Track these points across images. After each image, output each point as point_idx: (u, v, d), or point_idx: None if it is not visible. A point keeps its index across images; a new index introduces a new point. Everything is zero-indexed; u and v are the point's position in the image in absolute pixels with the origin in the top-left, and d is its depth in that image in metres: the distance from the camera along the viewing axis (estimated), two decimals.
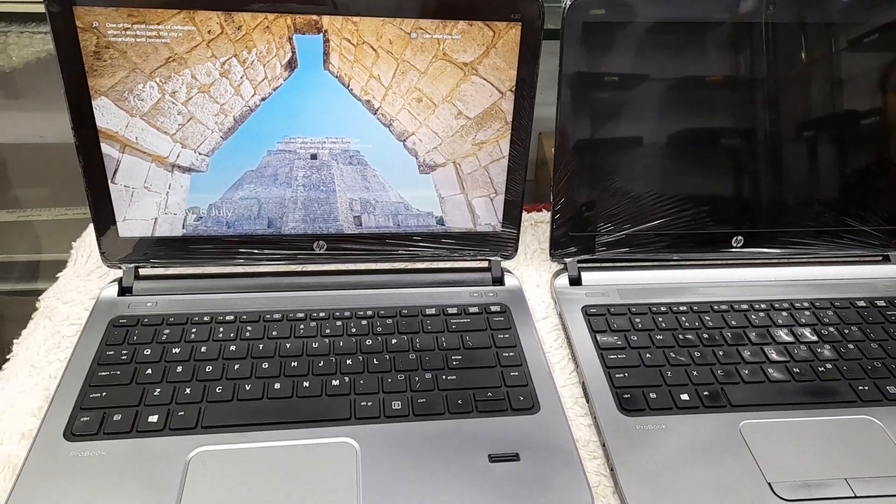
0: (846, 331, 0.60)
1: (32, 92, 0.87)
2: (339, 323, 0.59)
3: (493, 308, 0.62)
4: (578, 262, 0.66)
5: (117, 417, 0.50)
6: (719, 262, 0.67)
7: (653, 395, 0.53)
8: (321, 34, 0.56)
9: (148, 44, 0.54)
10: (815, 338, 0.59)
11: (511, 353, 0.57)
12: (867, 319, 0.62)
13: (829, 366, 0.57)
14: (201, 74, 0.56)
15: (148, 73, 0.55)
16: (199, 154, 0.58)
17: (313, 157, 0.60)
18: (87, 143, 0.56)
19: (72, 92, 0.55)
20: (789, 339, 0.59)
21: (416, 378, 0.54)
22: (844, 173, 0.66)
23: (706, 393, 0.54)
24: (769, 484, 0.47)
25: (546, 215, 0.77)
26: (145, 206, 0.59)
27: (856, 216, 0.67)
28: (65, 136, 0.56)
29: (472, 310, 0.62)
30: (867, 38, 0.63)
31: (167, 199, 0.59)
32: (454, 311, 0.61)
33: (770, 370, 0.56)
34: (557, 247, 0.66)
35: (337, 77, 0.58)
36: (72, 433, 0.49)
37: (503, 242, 0.65)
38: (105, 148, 0.57)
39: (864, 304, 0.64)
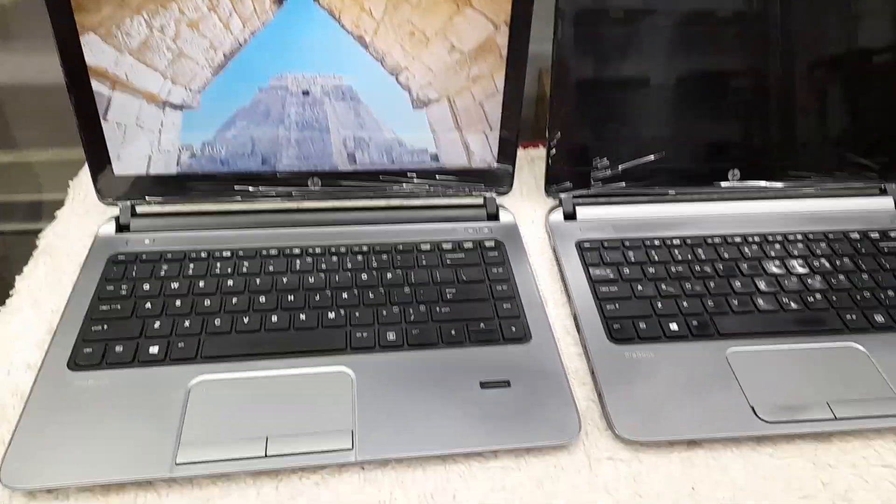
0: (838, 262, 0.61)
1: (26, 31, 0.86)
2: (334, 258, 0.60)
3: (488, 243, 0.63)
4: (574, 197, 0.66)
5: (119, 349, 0.51)
6: (715, 196, 0.67)
7: (642, 326, 0.54)
8: None
9: None
10: (806, 269, 0.60)
11: (504, 287, 0.58)
12: (860, 251, 0.62)
13: (818, 296, 0.57)
14: (189, 9, 0.55)
15: (135, 7, 0.54)
16: (190, 91, 0.58)
17: (305, 93, 0.60)
18: (78, 80, 0.56)
19: (59, 29, 0.54)
20: (780, 270, 0.60)
21: (411, 310, 0.55)
22: (843, 106, 0.65)
23: (695, 323, 0.55)
24: (752, 407, 0.48)
25: (543, 151, 0.76)
26: (138, 144, 0.59)
27: (853, 149, 0.66)
28: (60, 77, 0.56)
29: (466, 245, 0.62)
30: None
31: (160, 136, 0.59)
32: (449, 246, 0.62)
33: (759, 300, 0.57)
34: (552, 182, 0.66)
35: (327, 11, 0.57)
36: (75, 363, 0.50)
37: (498, 178, 0.65)
38: (95, 85, 0.57)
39: (858, 237, 0.64)
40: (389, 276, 0.58)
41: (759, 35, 0.62)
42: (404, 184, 0.64)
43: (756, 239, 0.63)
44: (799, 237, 0.63)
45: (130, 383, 0.49)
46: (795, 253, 0.62)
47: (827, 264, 0.60)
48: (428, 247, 0.62)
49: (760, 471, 0.46)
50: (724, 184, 0.66)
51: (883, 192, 0.69)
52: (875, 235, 0.64)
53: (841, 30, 0.63)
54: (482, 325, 0.54)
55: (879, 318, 0.55)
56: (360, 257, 0.60)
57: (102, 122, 0.58)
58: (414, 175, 0.64)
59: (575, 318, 0.57)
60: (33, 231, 0.64)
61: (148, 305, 0.55)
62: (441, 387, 0.50)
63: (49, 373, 0.49)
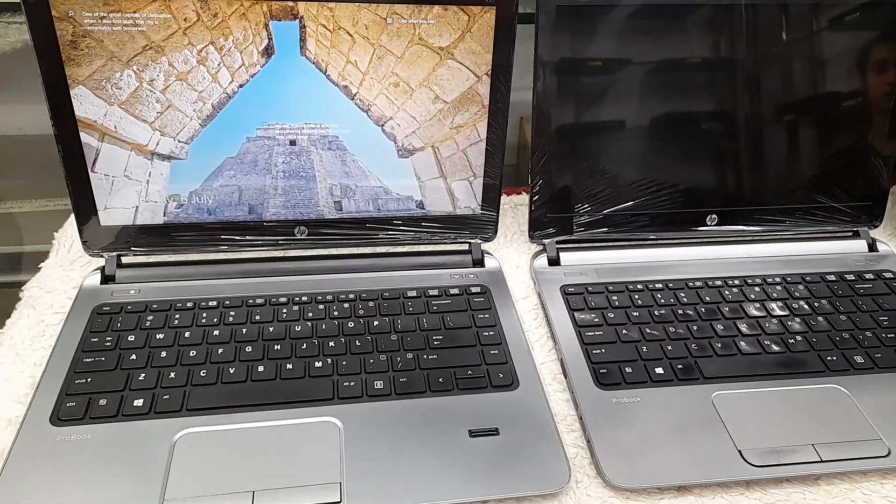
0: (816, 304, 0.62)
1: (10, 83, 0.87)
2: (321, 306, 0.60)
3: (474, 289, 0.63)
4: (557, 242, 0.67)
5: (103, 402, 0.50)
6: (695, 240, 0.69)
7: (628, 370, 0.55)
8: (297, 20, 0.56)
9: (124, 32, 0.54)
10: (785, 312, 0.61)
11: (491, 333, 0.58)
12: (836, 293, 0.63)
13: (798, 338, 0.58)
14: (178, 62, 0.56)
15: (125, 61, 0.55)
16: (179, 142, 0.59)
17: (292, 143, 0.61)
18: (66, 132, 0.57)
19: (49, 82, 0.55)
20: (761, 313, 0.61)
21: (398, 358, 0.55)
22: (816, 152, 0.67)
23: (680, 366, 0.55)
24: (739, 451, 0.49)
25: (526, 198, 0.78)
26: (126, 195, 0.60)
27: (827, 193, 0.68)
28: (44, 128, 0.56)
29: (452, 291, 0.63)
30: (843, 18, 0.63)
31: (147, 187, 0.60)
32: (435, 292, 0.62)
33: (742, 343, 0.58)
34: (536, 228, 0.67)
35: (314, 63, 0.58)
36: (58, 418, 0.49)
37: (483, 225, 0.66)
38: (84, 137, 0.57)
39: (834, 279, 0.65)
40: (376, 323, 0.59)
41: (732, 83, 0.64)
42: (390, 231, 0.65)
43: (736, 282, 0.64)
44: (777, 280, 0.65)
45: (114, 438, 0.48)
46: (775, 295, 0.63)
47: (806, 307, 0.62)
48: (414, 293, 0.62)
49: None
50: (702, 228, 0.68)
51: (856, 235, 0.70)
52: (851, 277, 0.65)
53: (812, 77, 0.65)
54: (469, 371, 0.55)
55: (859, 359, 0.56)
56: (346, 305, 0.60)
57: (90, 173, 0.58)
58: (400, 222, 0.65)
59: (562, 363, 0.57)
60: (16, 283, 0.64)
61: (133, 357, 0.54)
62: (429, 436, 0.49)
63: (31, 428, 0.49)
